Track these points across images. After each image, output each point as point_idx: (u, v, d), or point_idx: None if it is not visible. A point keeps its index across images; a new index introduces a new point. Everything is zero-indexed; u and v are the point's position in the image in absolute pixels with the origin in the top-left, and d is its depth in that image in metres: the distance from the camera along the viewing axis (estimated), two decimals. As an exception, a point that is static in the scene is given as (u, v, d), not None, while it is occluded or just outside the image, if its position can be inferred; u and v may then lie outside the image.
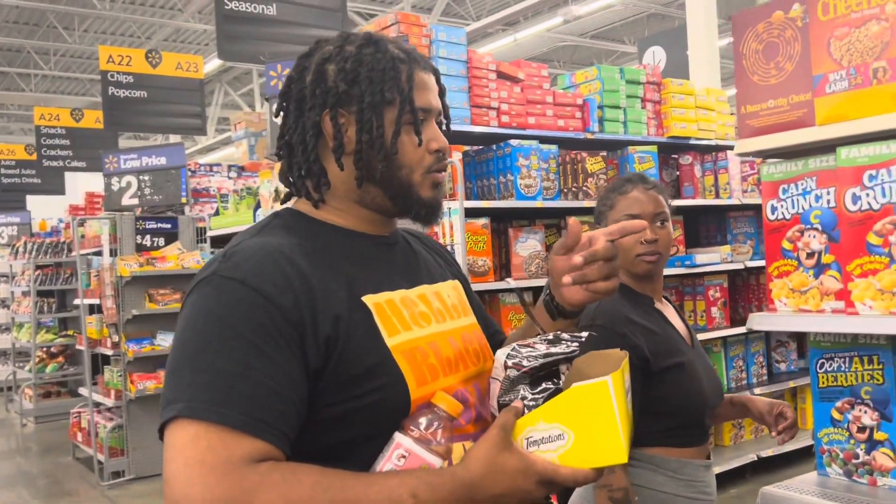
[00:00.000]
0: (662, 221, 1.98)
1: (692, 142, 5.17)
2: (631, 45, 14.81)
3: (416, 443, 1.06)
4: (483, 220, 3.91)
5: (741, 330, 5.07)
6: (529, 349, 1.13)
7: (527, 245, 4.11)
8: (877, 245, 1.63)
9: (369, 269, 1.19)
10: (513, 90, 4.30)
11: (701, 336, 4.60)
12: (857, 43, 1.61)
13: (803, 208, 1.82)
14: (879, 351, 1.75)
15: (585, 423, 1.03)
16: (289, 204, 1.30)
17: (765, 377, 5.40)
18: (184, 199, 6.50)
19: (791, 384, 5.37)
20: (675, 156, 5.24)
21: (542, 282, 4.14)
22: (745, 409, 2.07)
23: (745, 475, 5.08)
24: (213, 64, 13.34)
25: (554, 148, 4.34)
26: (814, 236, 1.81)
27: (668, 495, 1.85)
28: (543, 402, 1.08)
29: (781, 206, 1.87)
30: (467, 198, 3.99)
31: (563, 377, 1.13)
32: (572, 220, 1.20)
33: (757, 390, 5.11)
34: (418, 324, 1.18)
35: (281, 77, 4.22)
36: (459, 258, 3.62)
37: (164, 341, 6.03)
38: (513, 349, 1.14)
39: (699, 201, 5.10)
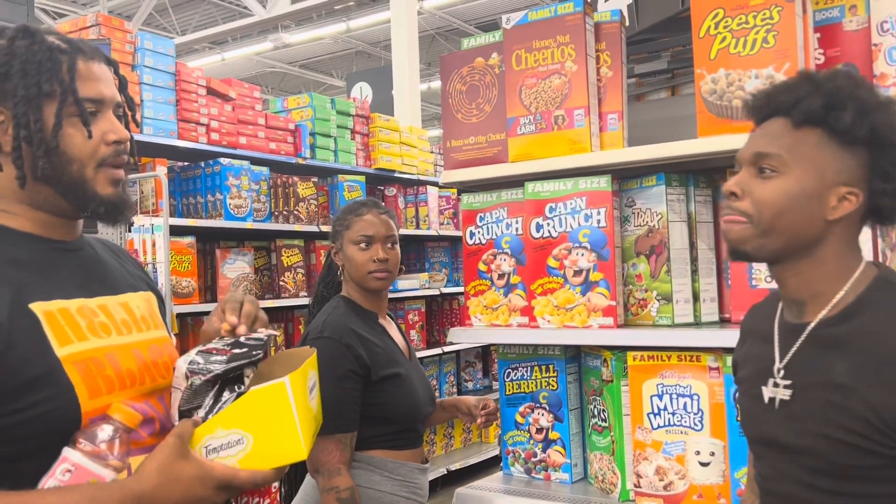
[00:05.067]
0: (392, 243, 2.15)
1: (397, 175, 5.48)
2: (339, 79, 15.24)
3: (85, 456, 1.01)
4: (189, 239, 3.76)
5: (436, 351, 5.46)
6: (211, 355, 1.12)
7: (235, 267, 4.02)
8: (555, 267, 1.89)
9: (41, 275, 1.11)
10: (223, 108, 4.22)
11: (401, 358, 4.86)
12: (543, 93, 1.88)
13: (496, 234, 2.05)
14: (555, 360, 2.02)
15: (264, 425, 1.05)
16: None
17: (454, 394, 5.84)
18: None
19: (477, 401, 5.87)
20: (382, 187, 5.52)
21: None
22: (455, 408, 2.29)
23: (436, 488, 5.42)
24: None
25: (265, 170, 4.32)
26: (504, 259, 2.04)
27: (384, 493, 1.97)
28: (223, 409, 1.09)
29: (479, 232, 2.09)
30: (171, 215, 3.80)
31: (247, 380, 1.14)
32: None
33: (449, 408, 5.51)
34: (97, 334, 1.11)
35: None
36: (162, 278, 3.44)
37: None
38: (194, 356, 1.12)
39: (401, 231, 5.40)
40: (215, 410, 1.08)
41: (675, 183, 1.83)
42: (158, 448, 1.03)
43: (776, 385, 1.18)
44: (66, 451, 1.01)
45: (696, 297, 1.85)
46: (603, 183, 1.82)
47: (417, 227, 5.55)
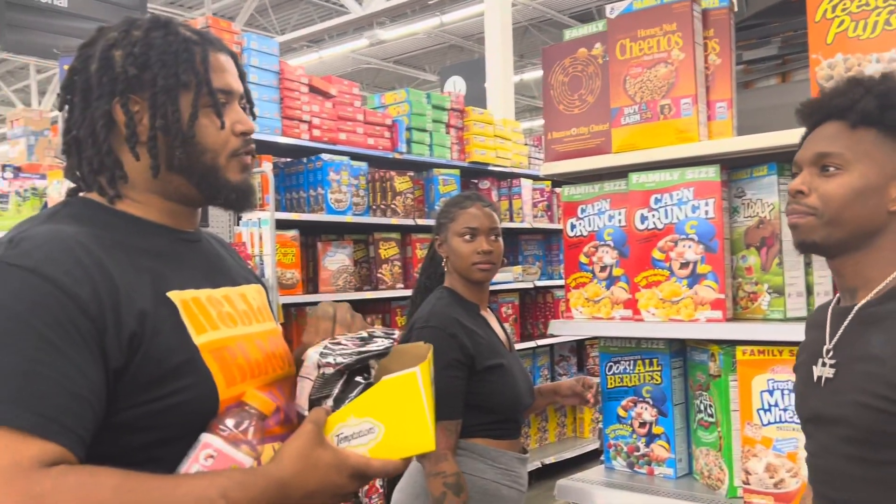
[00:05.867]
0: (496, 236, 2.18)
1: (490, 168, 5.49)
2: (432, 73, 15.36)
3: (225, 442, 1.02)
4: (292, 233, 3.89)
5: (530, 344, 5.44)
6: (342, 347, 1.13)
7: (335, 259, 4.13)
8: (660, 260, 1.86)
9: (173, 264, 1.13)
10: (324, 105, 4.33)
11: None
12: (648, 82, 1.85)
13: (598, 226, 2.04)
14: (658, 354, 1.99)
15: (395, 415, 1.06)
16: (81, 194, 1.19)
17: (550, 389, 5.82)
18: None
19: (572, 395, 5.82)
20: (476, 180, 5.54)
21: (349, 296, 4.18)
22: (555, 392, 2.32)
23: (530, 481, 5.41)
24: (-18, 53, 11.99)
25: (364, 165, 4.42)
26: (606, 252, 2.02)
27: (488, 481, 2.00)
28: (354, 398, 1.10)
29: (580, 224, 2.08)
30: (276, 209, 3.94)
31: (373, 371, 1.15)
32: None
33: (543, 401, 5.49)
34: (225, 324, 1.13)
35: (76, 71, 3.92)
36: (268, 270, 3.57)
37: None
38: (325, 348, 1.14)
39: (496, 224, 5.42)
40: (345, 400, 1.10)
41: (787, 172, 1.77)
42: (295, 435, 1.04)
43: (823, 364, 1.26)
44: (208, 437, 1.03)
45: (809, 291, 1.78)
46: (711, 173, 1.77)
47: (511, 219, 5.54)
